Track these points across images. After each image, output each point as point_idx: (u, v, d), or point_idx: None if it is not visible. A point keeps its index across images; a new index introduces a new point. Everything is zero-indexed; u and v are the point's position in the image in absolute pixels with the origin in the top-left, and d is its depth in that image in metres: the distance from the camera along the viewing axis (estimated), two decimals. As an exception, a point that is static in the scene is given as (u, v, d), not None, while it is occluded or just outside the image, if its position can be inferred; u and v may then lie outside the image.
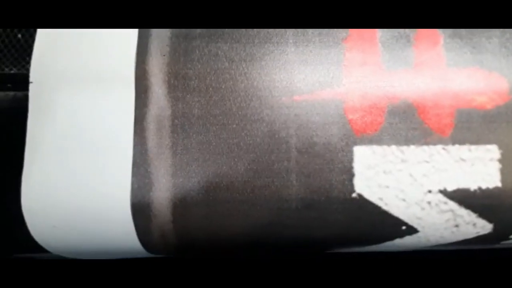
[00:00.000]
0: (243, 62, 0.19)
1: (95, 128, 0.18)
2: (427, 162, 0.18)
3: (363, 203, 0.18)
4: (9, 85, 0.19)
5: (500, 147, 0.18)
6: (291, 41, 0.19)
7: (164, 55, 0.19)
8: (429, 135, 0.19)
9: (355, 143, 0.18)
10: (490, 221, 0.19)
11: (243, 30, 0.19)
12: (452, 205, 0.19)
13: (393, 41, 0.19)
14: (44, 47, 0.19)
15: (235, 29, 0.19)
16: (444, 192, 0.18)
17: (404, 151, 0.19)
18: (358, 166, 0.18)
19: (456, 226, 0.19)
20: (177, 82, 0.19)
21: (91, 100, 0.19)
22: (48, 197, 0.18)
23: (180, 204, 0.18)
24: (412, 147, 0.18)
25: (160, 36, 0.19)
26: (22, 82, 0.18)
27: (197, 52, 0.19)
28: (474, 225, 0.19)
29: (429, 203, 0.19)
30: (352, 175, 0.18)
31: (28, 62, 0.19)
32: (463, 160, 0.19)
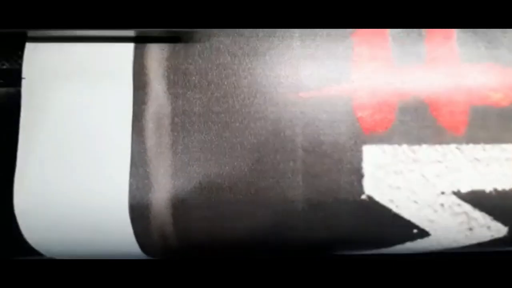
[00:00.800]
0: (247, 56, 0.18)
1: (91, 126, 0.17)
2: (440, 162, 0.18)
3: (373, 205, 0.18)
4: (1, 81, 0.18)
5: None
6: (297, 34, 0.18)
7: (163, 49, 0.18)
8: (442, 133, 0.18)
9: (365, 142, 0.17)
10: (505, 223, 0.18)
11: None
12: (466, 207, 0.18)
13: (404, 35, 0.18)
14: (37, 41, 0.18)
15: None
16: (457, 194, 0.18)
17: (415, 150, 0.18)
18: (367, 166, 0.18)
19: (470, 229, 0.18)
20: (177, 78, 0.18)
21: (86, 96, 0.18)
22: (42, 198, 0.17)
23: (181, 206, 0.18)
24: (424, 146, 0.18)
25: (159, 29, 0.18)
26: (14, 78, 0.18)
27: (198, 46, 0.18)
28: (488, 228, 0.18)
29: (442, 205, 0.18)
30: (361, 175, 0.18)
31: (20, 57, 0.18)
32: (477, 160, 0.18)
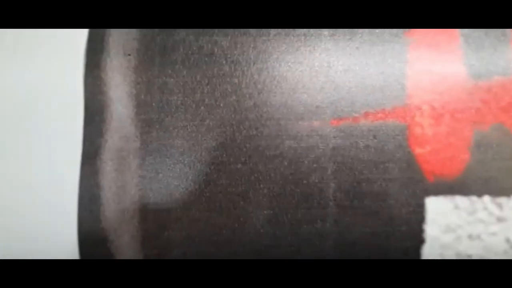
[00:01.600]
0: (253, 65, 0.12)
1: (35, 166, 0.12)
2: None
3: None
4: None
5: None
6: (325, 32, 0.13)
7: (129, 55, 0.12)
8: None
9: (427, 193, 0.12)
10: None
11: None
12: None
13: (481, 35, 0.13)
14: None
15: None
16: None
17: (502, 204, 0.12)
18: (431, 229, 0.12)
19: None
20: (150, 97, 0.12)
21: (25, 124, 0.12)
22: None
23: None
24: None
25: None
26: None
27: (182, 49, 0.12)
28: None
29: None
30: (421, 241, 0.12)
31: None
32: None
